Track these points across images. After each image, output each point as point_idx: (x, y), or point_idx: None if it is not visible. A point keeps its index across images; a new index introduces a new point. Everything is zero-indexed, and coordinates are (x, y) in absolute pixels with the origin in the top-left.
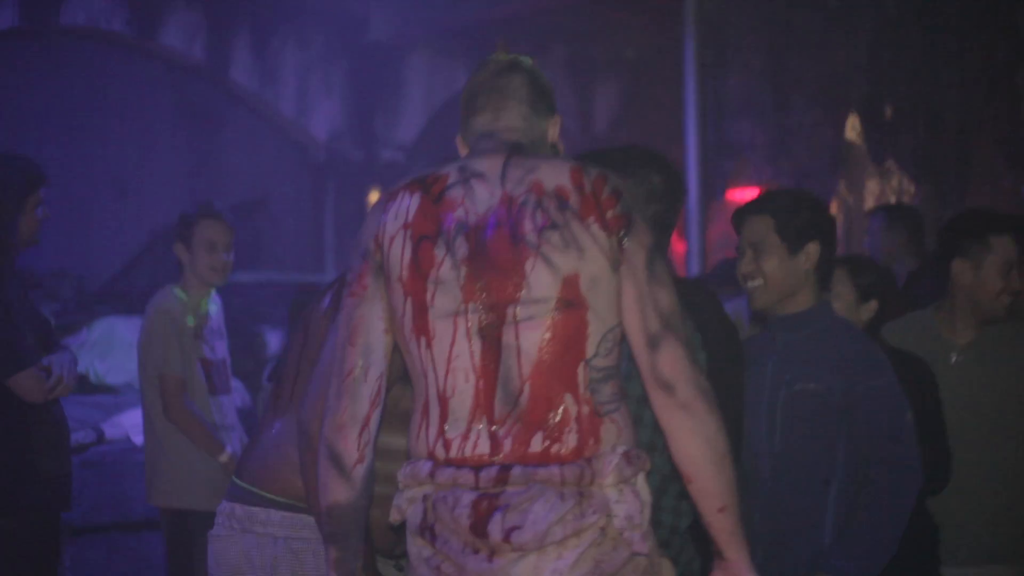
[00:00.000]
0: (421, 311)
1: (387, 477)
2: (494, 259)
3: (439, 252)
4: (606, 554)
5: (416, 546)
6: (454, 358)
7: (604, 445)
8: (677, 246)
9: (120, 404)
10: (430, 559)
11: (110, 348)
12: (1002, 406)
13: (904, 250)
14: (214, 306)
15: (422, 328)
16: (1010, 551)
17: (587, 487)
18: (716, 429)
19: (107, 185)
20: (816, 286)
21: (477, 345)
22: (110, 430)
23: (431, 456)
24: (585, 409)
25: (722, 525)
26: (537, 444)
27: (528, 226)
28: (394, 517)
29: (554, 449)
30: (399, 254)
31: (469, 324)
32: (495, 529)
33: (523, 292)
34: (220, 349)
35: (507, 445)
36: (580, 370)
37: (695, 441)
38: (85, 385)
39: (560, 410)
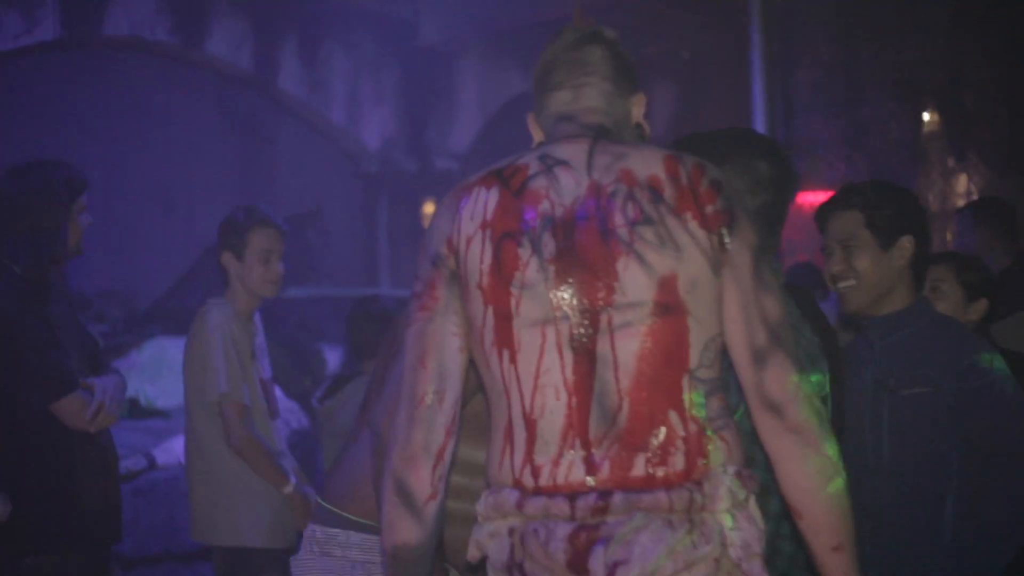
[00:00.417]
0: (504, 321)
1: (467, 491)
2: (583, 257)
3: (524, 252)
4: None
5: None
6: (542, 373)
7: (714, 466)
8: None
9: (172, 428)
10: None
11: (160, 370)
12: None
13: (995, 247)
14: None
15: (505, 340)
16: None
17: (698, 513)
18: (831, 457)
19: (153, 200)
20: (912, 283)
21: (568, 357)
22: (161, 456)
23: (517, 484)
24: (692, 426)
25: (837, 566)
26: (640, 467)
27: (619, 220)
28: (472, 555)
29: (659, 472)
30: (478, 257)
31: (559, 333)
32: (597, 565)
33: (616, 295)
34: (267, 368)
35: (605, 469)
36: (684, 383)
37: (806, 470)
38: (135, 409)
39: (664, 428)
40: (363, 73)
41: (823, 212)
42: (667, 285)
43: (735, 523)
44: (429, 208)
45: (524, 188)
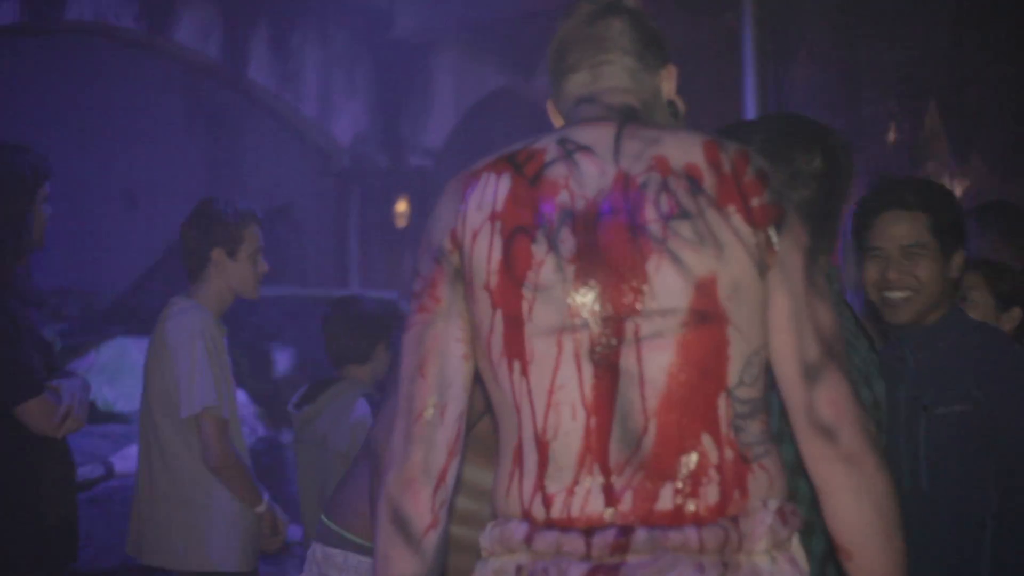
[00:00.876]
0: (514, 327)
1: (474, 517)
2: (608, 257)
3: (539, 249)
4: None
5: None
6: (557, 388)
7: (752, 499)
8: None
9: (130, 434)
10: None
11: (120, 372)
12: None
13: (1003, 252)
14: None
15: (515, 350)
16: None
17: (733, 555)
18: (886, 490)
19: (116, 194)
20: (953, 294)
21: (588, 371)
22: (120, 463)
23: (527, 516)
24: (728, 453)
25: None
26: (667, 499)
27: (651, 214)
28: None
29: (689, 506)
30: (485, 253)
31: (577, 343)
32: None
33: (645, 301)
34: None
35: (627, 501)
36: (721, 402)
37: (860, 505)
38: (93, 413)
39: (696, 455)
40: (336, 65)
41: (875, 210)
42: (705, 289)
43: (775, 565)
44: (402, 206)
45: (540, 176)
